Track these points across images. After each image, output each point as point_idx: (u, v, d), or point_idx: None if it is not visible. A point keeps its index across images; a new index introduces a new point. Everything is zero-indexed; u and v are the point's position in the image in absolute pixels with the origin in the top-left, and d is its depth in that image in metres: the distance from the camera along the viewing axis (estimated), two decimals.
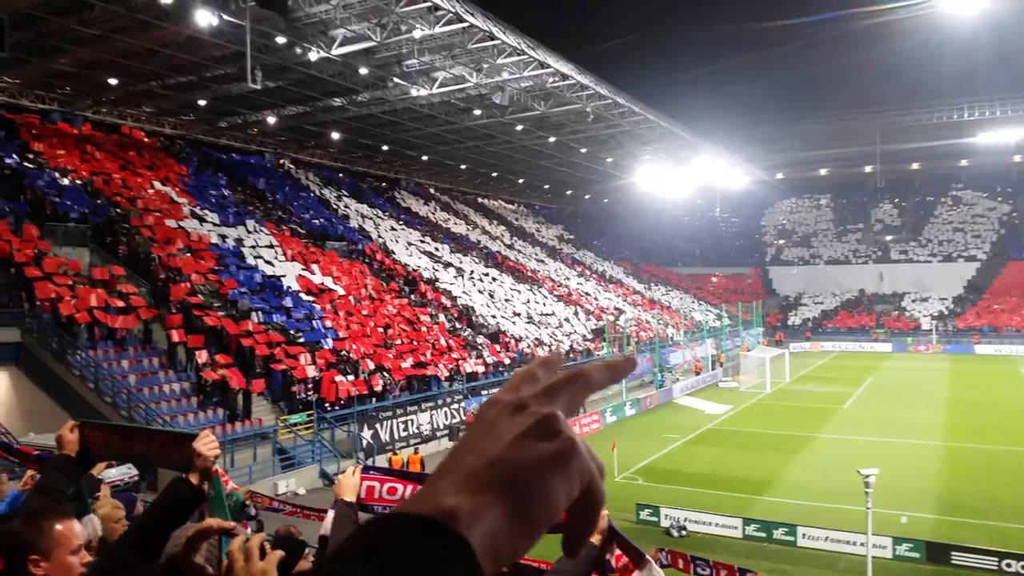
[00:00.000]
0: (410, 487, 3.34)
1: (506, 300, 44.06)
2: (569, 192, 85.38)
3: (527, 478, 0.62)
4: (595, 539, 2.45)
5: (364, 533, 0.60)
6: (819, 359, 60.73)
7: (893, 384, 46.50)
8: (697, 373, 48.11)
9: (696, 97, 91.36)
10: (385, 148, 52.23)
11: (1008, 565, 16.83)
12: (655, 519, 20.45)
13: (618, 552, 2.65)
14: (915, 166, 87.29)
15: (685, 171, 64.71)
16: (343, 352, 28.87)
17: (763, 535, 19.47)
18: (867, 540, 16.07)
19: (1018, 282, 69.70)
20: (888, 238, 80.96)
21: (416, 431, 27.92)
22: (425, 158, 57.08)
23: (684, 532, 19.88)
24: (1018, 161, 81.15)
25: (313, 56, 30.18)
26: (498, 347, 36.31)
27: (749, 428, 33.92)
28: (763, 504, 22.19)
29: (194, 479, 2.60)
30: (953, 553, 17.68)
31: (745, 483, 24.56)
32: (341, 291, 34.04)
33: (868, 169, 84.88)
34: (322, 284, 33.91)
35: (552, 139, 51.46)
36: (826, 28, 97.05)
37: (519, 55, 33.41)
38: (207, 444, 2.66)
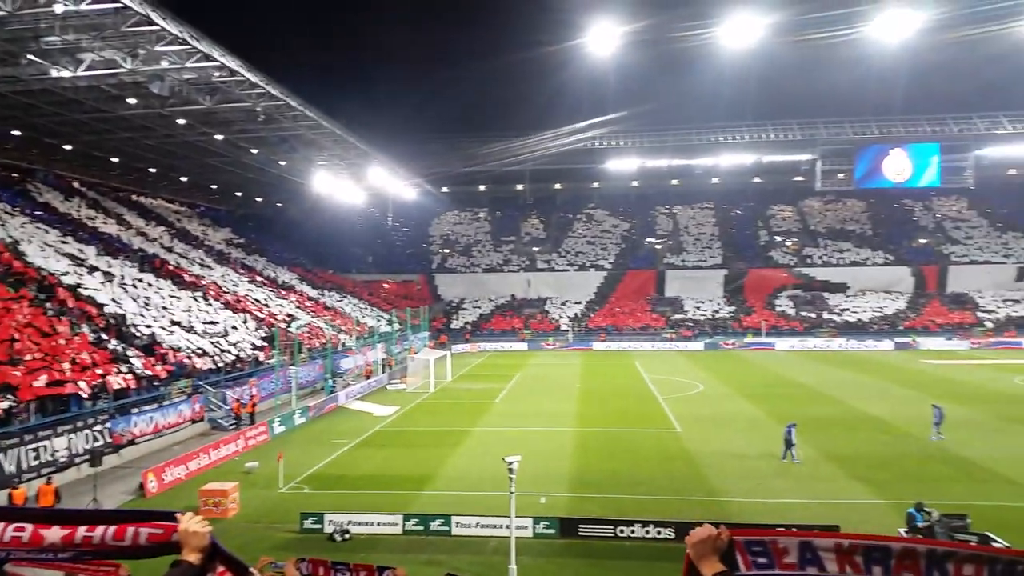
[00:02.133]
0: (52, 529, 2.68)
1: (164, 308, 40.83)
2: (239, 194, 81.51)
3: None
4: (194, 557, 2.52)
5: None
6: (477, 359, 65.82)
7: (536, 379, 52.03)
8: (367, 377, 49.24)
9: (372, 110, 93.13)
10: (17, 133, 45.33)
11: (621, 531, 19.88)
12: (319, 526, 20.56)
13: (221, 569, 2.65)
14: (558, 186, 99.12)
15: (359, 179, 65.77)
16: None
17: (421, 528, 20.47)
18: (511, 522, 17.75)
19: (634, 288, 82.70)
20: (535, 249, 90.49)
21: (51, 458, 24.76)
22: (68, 147, 50.60)
23: (347, 536, 20.10)
24: (635, 185, 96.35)
25: None
26: (153, 359, 33.61)
27: (414, 427, 35.70)
28: (424, 498, 23.55)
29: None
30: (580, 526, 20.23)
31: (409, 480, 25.78)
32: None
33: (519, 187, 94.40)
34: None
35: (220, 137, 48.96)
36: (490, 56, 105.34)
37: (181, 44, 31.43)
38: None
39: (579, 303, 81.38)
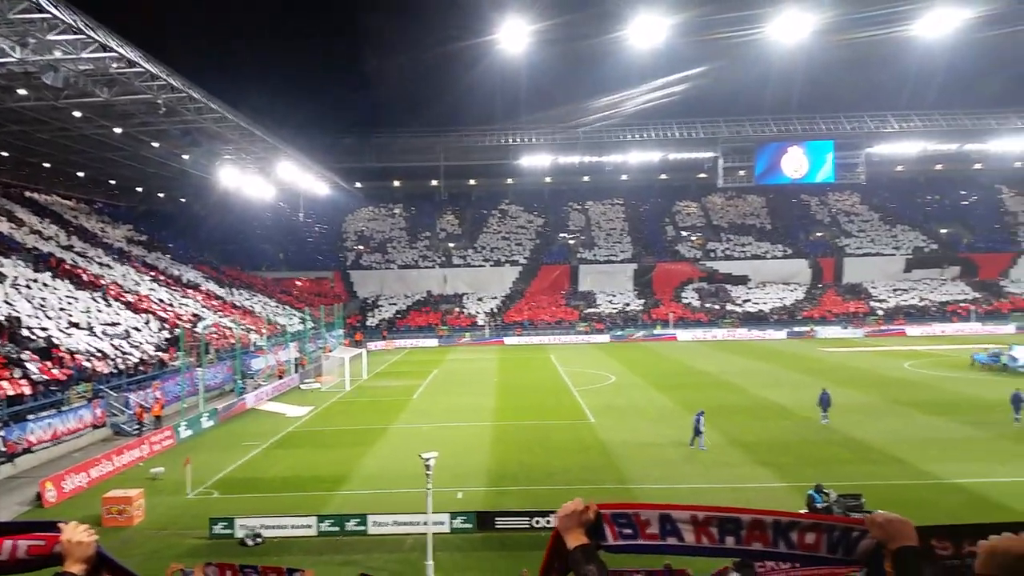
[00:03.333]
0: None
1: (61, 309, 38.83)
2: (140, 189, 78.18)
3: None
4: (78, 569, 2.42)
5: None
6: (394, 356, 65.37)
7: (453, 375, 52.15)
8: (280, 377, 48.21)
9: (281, 103, 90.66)
10: None
11: (537, 522, 20.17)
12: (230, 531, 20.09)
13: None
14: (472, 182, 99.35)
15: (269, 174, 64.10)
16: None
17: (336, 529, 20.25)
18: (428, 519, 17.91)
19: (549, 283, 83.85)
20: (451, 245, 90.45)
21: None
22: None
23: (260, 540, 19.75)
24: (549, 182, 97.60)
25: None
26: (50, 363, 31.97)
27: (329, 427, 35.27)
28: (340, 499, 23.34)
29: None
30: (497, 519, 20.47)
31: (323, 481, 25.48)
32: None
33: (434, 183, 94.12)
34: None
35: (119, 130, 46.89)
36: (399, 51, 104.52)
37: (75, 33, 29.92)
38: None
39: (495, 298, 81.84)
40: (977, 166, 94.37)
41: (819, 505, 19.87)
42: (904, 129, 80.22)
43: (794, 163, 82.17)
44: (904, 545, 2.13)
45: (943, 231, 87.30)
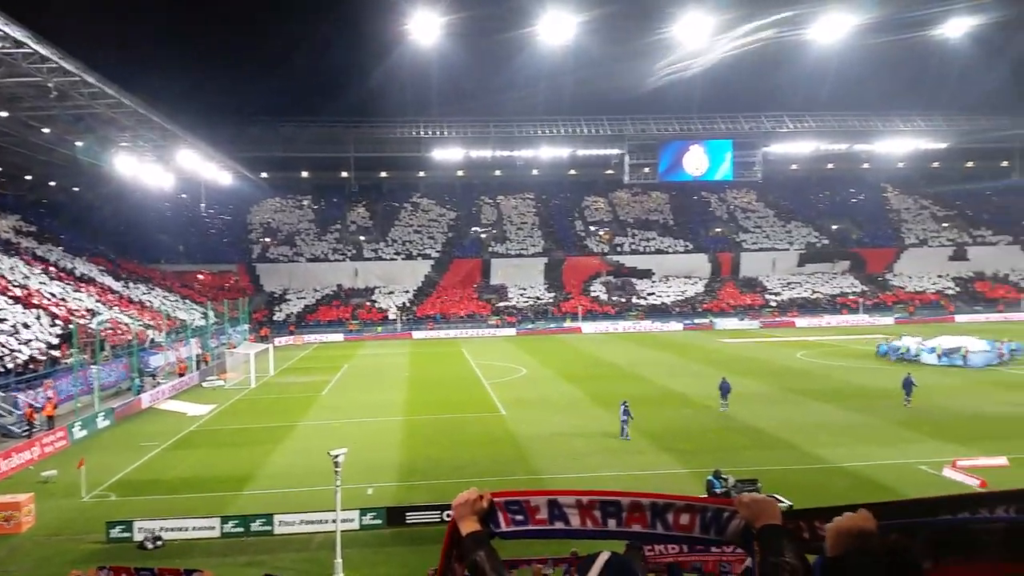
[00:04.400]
0: None
1: None
2: (29, 177, 73.66)
3: None
4: None
5: None
6: (302, 351, 64.11)
7: (364, 370, 51.65)
8: (181, 375, 46.55)
9: (182, 90, 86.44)
10: None
11: (448, 515, 20.01)
12: (128, 535, 19.45)
13: None
14: (383, 174, 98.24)
15: (169, 163, 61.63)
16: None
17: (241, 530, 19.87)
18: (336, 516, 17.78)
19: (461, 277, 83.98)
20: (362, 238, 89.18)
21: None
22: None
23: (160, 543, 19.22)
24: (461, 175, 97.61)
25: None
26: None
27: (233, 425, 34.40)
28: (245, 499, 22.90)
29: None
30: (407, 514, 20.49)
31: (227, 481, 24.92)
32: None
33: (344, 174, 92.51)
34: None
35: (5, 114, 44.20)
36: (307, 38, 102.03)
37: None
38: None
39: (407, 292, 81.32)
40: (865, 165, 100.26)
41: (718, 490, 20.78)
42: (798, 129, 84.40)
43: (695, 161, 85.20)
44: (768, 523, 2.28)
45: (834, 227, 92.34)
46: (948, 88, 78.63)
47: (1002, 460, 24.04)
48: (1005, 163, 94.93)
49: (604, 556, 2.36)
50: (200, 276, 78.68)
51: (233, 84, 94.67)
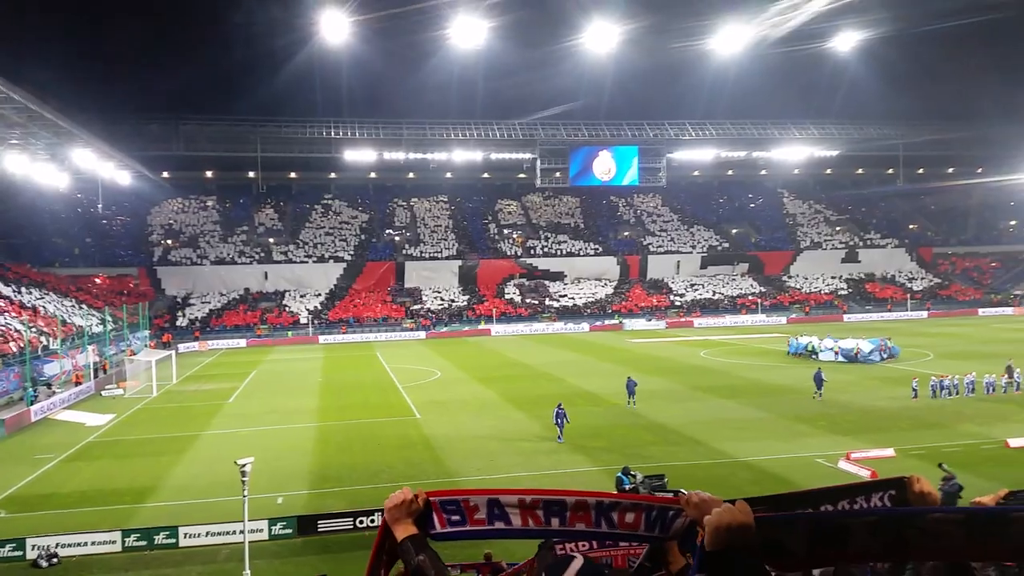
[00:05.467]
0: None
1: None
2: None
3: None
4: None
5: None
6: (207, 358, 62.06)
7: (274, 375, 50.52)
8: (77, 383, 44.37)
9: (77, 85, 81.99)
10: None
11: (360, 522, 20.18)
12: (20, 553, 18.60)
13: None
14: (293, 175, 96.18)
15: (63, 161, 58.57)
16: None
17: (144, 544, 19.31)
18: (244, 527, 17.46)
19: (375, 280, 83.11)
20: (271, 240, 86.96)
21: None
22: None
23: (56, 560, 18.48)
24: (373, 177, 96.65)
25: None
26: None
27: (134, 435, 33.07)
28: (147, 511, 22.16)
29: None
30: (319, 522, 20.24)
31: (128, 493, 24.03)
32: None
33: (251, 174, 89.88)
34: None
35: None
36: (209, 32, 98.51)
37: None
38: None
39: (319, 295, 79.86)
40: (763, 172, 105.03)
41: (627, 487, 21.43)
42: (700, 137, 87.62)
43: (604, 166, 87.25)
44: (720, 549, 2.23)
45: (734, 231, 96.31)
46: (839, 98, 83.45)
47: (890, 451, 25.78)
48: (891, 170, 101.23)
49: (578, 562, 2.34)
50: (97, 280, 74.98)
51: (132, 80, 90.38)
